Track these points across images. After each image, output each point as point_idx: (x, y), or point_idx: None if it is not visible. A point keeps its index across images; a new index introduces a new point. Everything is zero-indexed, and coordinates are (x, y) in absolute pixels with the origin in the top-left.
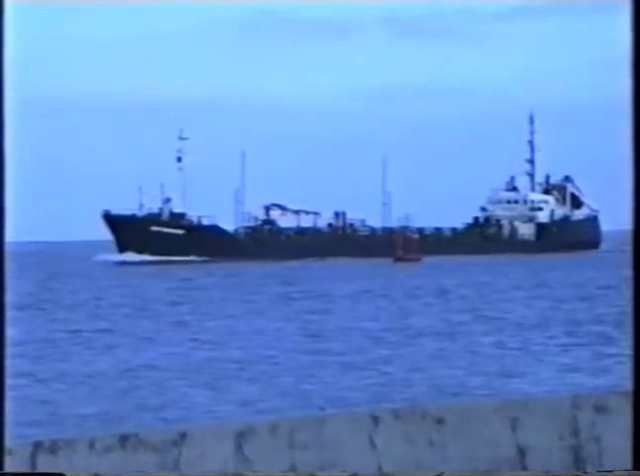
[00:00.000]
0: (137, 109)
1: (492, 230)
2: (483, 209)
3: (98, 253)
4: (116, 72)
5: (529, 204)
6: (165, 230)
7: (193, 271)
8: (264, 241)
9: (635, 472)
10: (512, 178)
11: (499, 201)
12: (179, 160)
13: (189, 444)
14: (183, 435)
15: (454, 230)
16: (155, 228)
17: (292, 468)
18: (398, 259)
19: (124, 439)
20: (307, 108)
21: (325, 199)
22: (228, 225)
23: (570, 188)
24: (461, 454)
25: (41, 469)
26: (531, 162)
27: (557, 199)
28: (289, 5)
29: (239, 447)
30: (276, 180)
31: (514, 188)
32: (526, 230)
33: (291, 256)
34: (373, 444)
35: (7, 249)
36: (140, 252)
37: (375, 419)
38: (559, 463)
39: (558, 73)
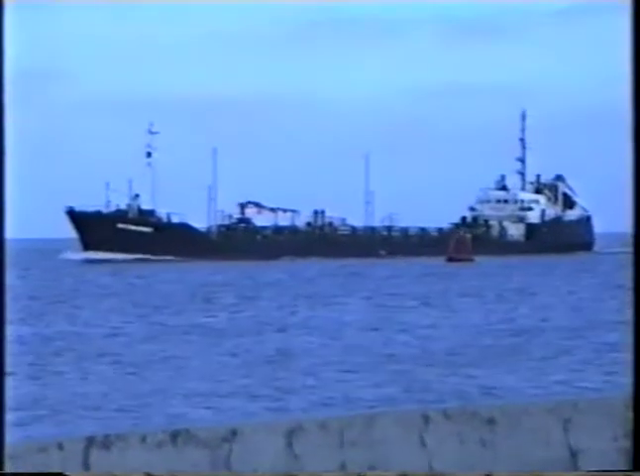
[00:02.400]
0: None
1: (480, 230)
2: (472, 209)
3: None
4: (164, 72)
5: (519, 204)
6: (132, 228)
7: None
8: (238, 240)
9: (635, 473)
10: (502, 177)
11: (488, 201)
12: (149, 155)
13: (240, 441)
14: (234, 432)
15: (440, 230)
16: (121, 226)
17: (342, 466)
18: (451, 259)
19: (175, 435)
20: (351, 106)
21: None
22: (201, 224)
23: (562, 188)
24: (512, 454)
25: (93, 464)
26: (522, 160)
27: (548, 199)
28: (342, 4)
29: (289, 444)
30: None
31: (504, 188)
32: (515, 231)
33: (267, 255)
34: (423, 443)
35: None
36: (105, 250)
37: (426, 419)
38: (611, 465)
39: (612, 74)
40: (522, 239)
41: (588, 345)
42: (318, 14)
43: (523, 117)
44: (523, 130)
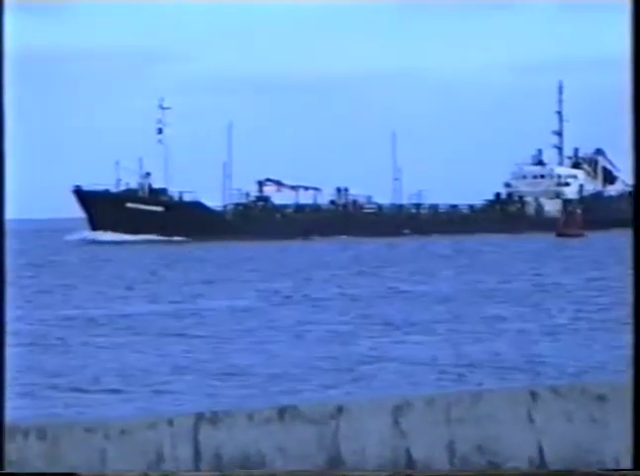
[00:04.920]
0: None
1: (514, 207)
2: (507, 185)
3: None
4: (269, 51)
5: (556, 179)
6: (142, 207)
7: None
8: (255, 219)
9: (636, 472)
10: (539, 152)
11: (524, 176)
12: (160, 131)
13: (347, 418)
14: (340, 409)
15: (471, 207)
16: (130, 205)
17: (450, 444)
18: (561, 234)
19: (282, 411)
20: (453, 81)
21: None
22: (217, 203)
23: (602, 162)
24: (623, 432)
25: (202, 440)
26: (559, 134)
27: (588, 174)
28: None
29: (396, 421)
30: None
31: (540, 162)
32: (552, 207)
33: (287, 235)
34: (531, 420)
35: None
36: (115, 230)
37: (534, 395)
38: None
39: None
40: (559, 216)
41: None
42: None
43: (560, 89)
44: (560, 102)
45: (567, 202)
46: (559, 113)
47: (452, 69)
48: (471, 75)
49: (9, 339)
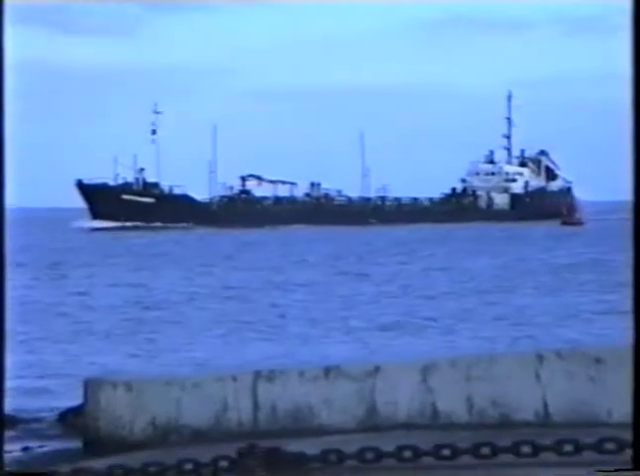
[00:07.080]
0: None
1: (468, 200)
2: (463, 181)
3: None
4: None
5: (504, 176)
6: (136, 199)
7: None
8: (238, 209)
9: (636, 472)
10: (491, 152)
11: (477, 173)
12: (154, 132)
13: (382, 376)
14: (377, 368)
15: (431, 200)
16: (125, 197)
17: (469, 399)
18: (564, 223)
19: (328, 370)
20: (467, 95)
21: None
22: (205, 196)
23: (544, 161)
24: (618, 390)
25: (261, 394)
26: (508, 137)
27: (532, 171)
28: (472, 6)
29: (424, 379)
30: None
31: (492, 161)
32: (501, 200)
33: (266, 224)
34: (538, 379)
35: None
36: (111, 219)
37: (540, 358)
38: None
39: None
40: (507, 208)
41: None
42: (441, 13)
43: (509, 98)
44: (509, 109)
45: (517, 196)
46: (508, 119)
47: (471, 84)
48: (486, 90)
49: None
